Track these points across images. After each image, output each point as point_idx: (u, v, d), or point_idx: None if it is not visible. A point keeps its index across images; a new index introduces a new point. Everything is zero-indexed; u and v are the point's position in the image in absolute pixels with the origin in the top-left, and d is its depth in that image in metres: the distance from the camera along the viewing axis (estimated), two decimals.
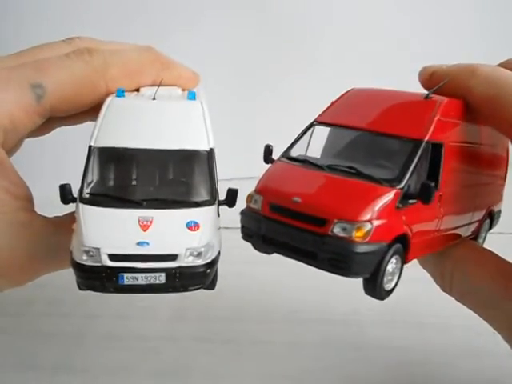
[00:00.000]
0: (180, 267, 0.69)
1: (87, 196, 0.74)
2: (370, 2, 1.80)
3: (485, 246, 0.89)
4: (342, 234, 0.67)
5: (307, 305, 1.11)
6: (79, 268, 0.69)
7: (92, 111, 0.83)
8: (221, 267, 0.75)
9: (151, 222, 0.71)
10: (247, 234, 0.77)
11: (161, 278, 0.69)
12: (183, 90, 0.89)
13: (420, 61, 0.86)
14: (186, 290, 0.71)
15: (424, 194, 0.70)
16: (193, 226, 0.71)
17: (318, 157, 0.81)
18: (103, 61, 0.84)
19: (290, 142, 0.81)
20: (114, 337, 1.02)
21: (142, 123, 0.79)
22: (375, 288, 0.72)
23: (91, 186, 0.76)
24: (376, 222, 0.67)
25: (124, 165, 0.79)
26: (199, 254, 0.70)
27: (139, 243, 0.68)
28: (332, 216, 0.68)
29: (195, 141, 0.78)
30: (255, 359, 0.97)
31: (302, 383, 0.93)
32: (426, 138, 0.73)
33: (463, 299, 0.79)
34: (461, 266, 0.76)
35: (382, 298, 0.73)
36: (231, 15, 1.74)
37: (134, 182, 0.79)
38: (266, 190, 0.75)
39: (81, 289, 0.72)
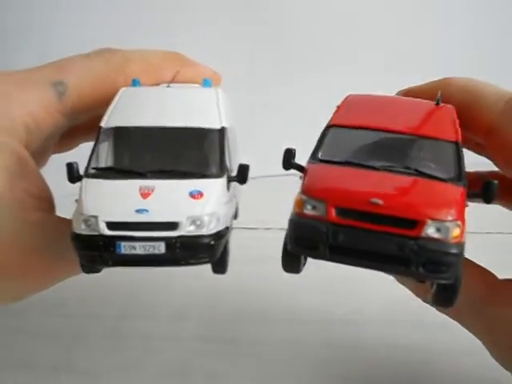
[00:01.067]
0: (181, 236, 0.65)
1: (92, 171, 0.73)
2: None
3: (485, 245, 0.89)
4: (436, 236, 0.61)
5: (307, 305, 1.11)
6: (78, 239, 0.67)
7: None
8: None
9: (152, 190, 0.67)
10: (307, 246, 0.66)
11: (160, 248, 0.65)
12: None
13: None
14: (188, 263, 0.67)
15: (488, 193, 0.67)
16: (196, 194, 0.68)
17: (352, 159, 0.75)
18: (123, 57, 0.85)
19: (314, 147, 0.77)
20: (114, 337, 1.02)
21: (152, 105, 0.78)
22: (454, 296, 0.67)
23: (98, 163, 0.75)
24: (461, 222, 0.63)
25: (131, 143, 0.77)
26: (202, 224, 0.66)
27: (138, 210, 0.65)
28: (424, 216, 0.62)
29: (205, 120, 0.77)
30: (255, 359, 0.97)
31: (302, 383, 0.93)
32: (460, 140, 0.73)
33: (449, 310, 0.78)
34: None
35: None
36: (238, 16, 1.74)
37: (140, 158, 0.77)
38: (329, 194, 0.66)
39: (85, 271, 0.70)
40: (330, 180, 0.69)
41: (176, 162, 0.74)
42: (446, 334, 0.99)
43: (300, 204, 0.67)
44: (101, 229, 0.65)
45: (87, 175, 0.72)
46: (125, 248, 0.65)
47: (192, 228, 0.66)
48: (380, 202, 0.63)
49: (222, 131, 0.76)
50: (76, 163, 0.73)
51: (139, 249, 0.65)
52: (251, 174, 0.76)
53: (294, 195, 0.73)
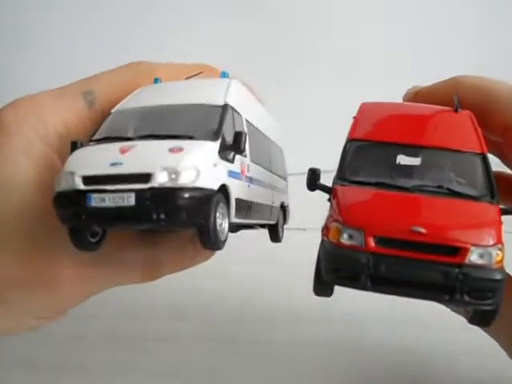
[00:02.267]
0: (152, 188, 0.61)
1: (89, 143, 0.73)
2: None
3: None
4: (480, 262, 0.60)
5: (307, 305, 1.11)
6: (56, 198, 0.66)
7: None
8: (221, 267, 0.74)
9: (133, 147, 0.65)
10: (347, 278, 0.63)
11: (129, 200, 0.61)
12: None
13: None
14: (160, 219, 0.62)
15: None
16: (176, 149, 0.64)
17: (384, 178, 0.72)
18: (150, 65, 0.87)
19: (338, 165, 0.73)
20: (113, 337, 1.02)
21: (161, 92, 0.79)
22: (493, 318, 0.66)
23: (97, 136, 0.75)
24: (501, 244, 0.62)
25: (130, 120, 0.77)
26: (177, 176, 0.61)
27: (112, 163, 0.63)
28: (467, 243, 0.60)
29: (207, 98, 0.76)
30: (255, 359, 0.97)
31: (302, 383, 0.93)
32: (485, 151, 0.72)
33: (459, 310, 0.78)
34: None
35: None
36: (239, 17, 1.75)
37: (134, 129, 0.75)
38: (366, 223, 0.63)
39: (77, 247, 0.68)
40: (366, 206, 0.66)
41: (169, 129, 0.71)
42: (445, 335, 0.99)
43: (336, 233, 0.64)
44: (76, 184, 0.64)
45: (81, 146, 0.71)
46: (95, 200, 0.63)
47: (165, 180, 0.61)
48: (422, 230, 0.61)
49: (225, 107, 0.74)
50: (81, 142, 0.72)
51: (109, 201, 0.62)
52: None
53: (295, 196, 0.72)
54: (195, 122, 0.73)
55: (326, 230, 0.67)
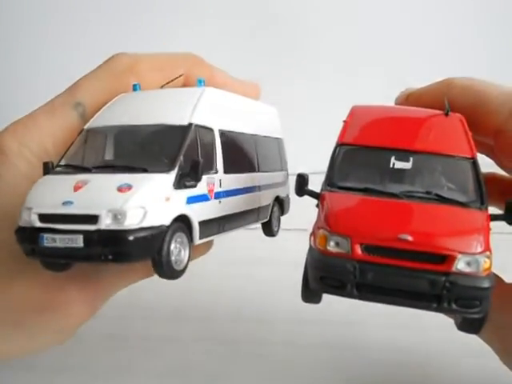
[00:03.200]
0: (99, 230, 0.62)
1: (54, 169, 0.73)
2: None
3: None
4: (468, 270, 0.60)
5: (307, 305, 1.11)
6: (17, 232, 0.67)
7: None
8: (221, 267, 0.74)
9: (86, 183, 0.66)
10: (334, 286, 0.63)
11: (78, 241, 0.63)
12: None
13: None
14: (108, 259, 0.63)
15: (511, 215, 0.65)
16: (124, 187, 0.65)
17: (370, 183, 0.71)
18: (130, 58, 0.86)
19: (327, 171, 0.73)
20: (114, 337, 1.02)
21: (130, 106, 0.78)
22: (481, 325, 0.66)
23: (63, 161, 0.76)
24: (489, 251, 0.61)
25: (94, 142, 0.78)
26: (123, 218, 0.62)
27: (64, 202, 0.65)
28: (455, 251, 0.60)
29: (172, 117, 0.75)
30: (255, 359, 0.97)
31: (302, 383, 0.93)
32: (475, 156, 0.71)
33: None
34: None
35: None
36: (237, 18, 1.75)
37: (100, 156, 0.76)
38: (352, 230, 0.62)
39: (46, 267, 0.70)
40: (353, 213, 0.66)
41: (127, 159, 0.73)
42: (445, 335, 0.99)
43: (323, 240, 0.63)
44: (32, 221, 0.66)
45: (47, 173, 0.72)
46: (47, 240, 0.64)
47: (111, 222, 0.62)
48: (409, 238, 0.60)
49: (187, 128, 0.73)
50: (51, 163, 0.73)
51: (59, 241, 0.64)
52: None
53: (295, 196, 0.72)
54: (154, 148, 0.73)
55: (313, 236, 0.66)
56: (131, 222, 0.63)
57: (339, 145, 0.75)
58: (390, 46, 1.78)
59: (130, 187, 0.64)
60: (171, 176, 0.69)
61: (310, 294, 0.69)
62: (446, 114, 0.75)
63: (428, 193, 0.67)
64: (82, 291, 0.77)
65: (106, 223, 0.62)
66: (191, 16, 1.73)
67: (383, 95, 0.88)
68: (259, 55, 1.78)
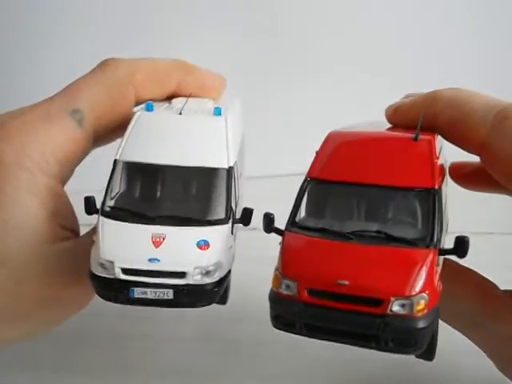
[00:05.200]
0: (188, 285, 0.71)
1: (108, 209, 0.77)
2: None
3: (486, 246, 0.89)
4: (402, 312, 0.62)
5: None
6: (96, 279, 0.72)
7: (122, 128, 0.85)
8: None
9: (163, 238, 0.72)
10: (285, 324, 0.68)
11: (169, 294, 0.71)
12: (215, 100, 0.90)
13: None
14: (193, 306, 0.73)
15: (460, 249, 0.65)
16: (203, 245, 0.72)
17: (323, 220, 0.73)
18: (128, 67, 0.86)
19: (292, 208, 0.74)
20: (114, 336, 1.02)
21: (166, 139, 0.80)
22: (432, 352, 0.70)
23: (113, 199, 0.79)
24: (428, 291, 0.63)
25: (146, 180, 0.81)
26: (208, 273, 0.72)
27: (150, 259, 0.71)
28: (388, 295, 0.62)
29: (215, 158, 0.79)
30: (255, 359, 0.98)
31: (302, 383, 0.93)
32: (437, 186, 0.69)
33: (449, 321, 0.78)
34: (443, 288, 0.70)
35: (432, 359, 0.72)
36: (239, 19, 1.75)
37: (153, 198, 0.80)
38: (299, 275, 0.66)
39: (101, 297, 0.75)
40: (302, 257, 0.69)
41: (185, 205, 0.79)
42: (445, 335, 0.99)
43: (277, 282, 0.68)
44: (116, 273, 0.71)
45: (103, 213, 0.76)
46: (137, 293, 0.71)
47: (198, 277, 0.71)
48: (346, 282, 0.63)
49: (229, 171, 0.78)
50: (93, 197, 0.77)
51: (150, 294, 0.71)
52: (253, 173, 0.76)
53: (289, 199, 0.72)
54: (206, 195, 0.78)
55: (273, 276, 0.70)
56: (214, 275, 0.72)
57: (306, 179, 0.75)
58: (390, 49, 1.78)
59: (207, 245, 0.72)
60: (229, 225, 0.77)
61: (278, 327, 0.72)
62: (415, 139, 0.73)
63: (378, 232, 0.68)
64: (82, 288, 0.78)
65: (193, 278, 0.71)
66: (188, 18, 1.73)
67: (384, 99, 0.87)
68: (259, 55, 1.78)
